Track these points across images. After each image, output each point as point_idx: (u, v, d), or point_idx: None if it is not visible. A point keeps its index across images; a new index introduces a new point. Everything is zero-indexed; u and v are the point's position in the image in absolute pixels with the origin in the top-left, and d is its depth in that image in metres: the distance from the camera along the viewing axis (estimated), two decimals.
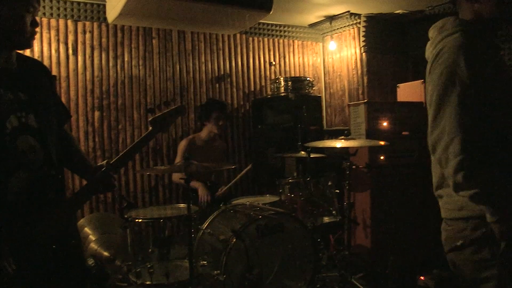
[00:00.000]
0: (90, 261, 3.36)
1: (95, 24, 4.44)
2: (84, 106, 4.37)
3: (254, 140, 5.33)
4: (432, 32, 1.76)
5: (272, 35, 5.62)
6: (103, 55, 4.49)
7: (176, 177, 4.20)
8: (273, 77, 5.53)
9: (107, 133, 4.48)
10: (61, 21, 4.25)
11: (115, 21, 4.27)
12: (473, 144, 1.46)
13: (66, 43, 4.28)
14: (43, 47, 4.16)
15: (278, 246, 2.98)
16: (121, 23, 4.49)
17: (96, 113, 4.43)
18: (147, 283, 2.85)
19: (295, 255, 3.04)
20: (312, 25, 5.71)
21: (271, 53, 5.63)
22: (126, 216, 3.10)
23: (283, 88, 5.09)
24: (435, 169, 1.73)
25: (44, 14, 4.12)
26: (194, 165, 2.78)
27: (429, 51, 1.71)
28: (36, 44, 4.10)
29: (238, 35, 5.35)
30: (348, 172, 3.51)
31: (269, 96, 5.33)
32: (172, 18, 4.41)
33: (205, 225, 3.16)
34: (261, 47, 5.56)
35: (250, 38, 5.47)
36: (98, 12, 4.43)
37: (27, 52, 3.67)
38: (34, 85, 1.72)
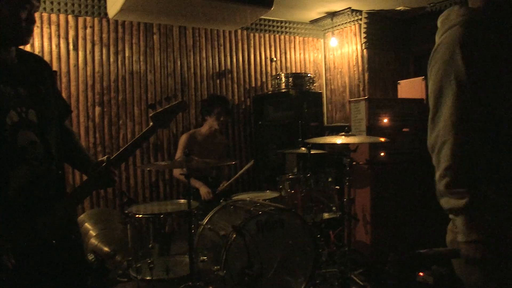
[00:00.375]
0: (91, 257, 3.37)
1: (96, 20, 4.43)
2: (85, 102, 4.37)
3: (254, 136, 5.34)
4: (438, 23, 1.60)
5: (273, 31, 5.61)
6: (104, 51, 4.48)
7: (177, 172, 4.20)
8: (274, 73, 5.52)
9: (107, 129, 4.49)
10: (62, 16, 4.25)
11: (116, 17, 4.26)
12: (466, 149, 1.35)
13: (66, 38, 4.28)
14: (44, 42, 4.15)
15: (278, 242, 2.98)
16: (122, 18, 4.48)
17: (97, 109, 4.43)
18: (147, 278, 2.86)
19: (295, 251, 3.04)
20: (313, 22, 5.70)
21: (272, 49, 5.62)
22: (126, 211, 3.11)
23: (284, 84, 5.09)
24: None
25: (44, 9, 4.12)
26: (195, 160, 2.78)
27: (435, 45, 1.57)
28: (36, 39, 4.10)
29: (239, 31, 5.34)
30: (348, 168, 3.50)
31: (270, 92, 5.33)
32: (173, 14, 4.40)
33: (206, 220, 3.16)
34: (262, 43, 5.55)
35: (251, 34, 5.46)
36: (99, 8, 4.42)
37: (28, 47, 3.68)
38: (35, 80, 1.72)
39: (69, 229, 1.76)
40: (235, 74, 5.32)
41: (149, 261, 2.88)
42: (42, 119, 1.68)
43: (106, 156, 1.80)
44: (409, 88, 4.77)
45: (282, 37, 5.70)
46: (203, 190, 4.01)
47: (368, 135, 4.09)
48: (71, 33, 4.30)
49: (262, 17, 5.20)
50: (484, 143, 1.37)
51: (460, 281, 1.52)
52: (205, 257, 2.88)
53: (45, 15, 4.15)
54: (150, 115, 1.86)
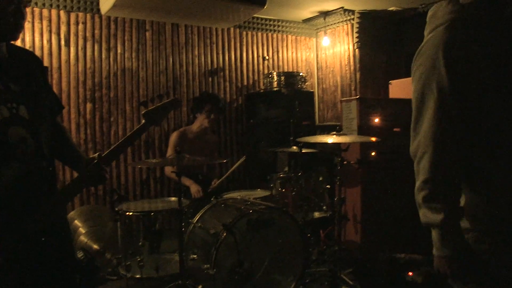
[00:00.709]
0: (80, 254, 3.35)
1: (88, 15, 4.41)
2: (76, 98, 4.34)
3: (246, 135, 5.34)
4: (427, 19, 1.49)
5: (266, 30, 5.61)
6: (96, 47, 4.45)
7: (168, 170, 4.19)
8: (266, 71, 5.53)
9: (99, 125, 4.46)
10: (54, 11, 4.21)
11: (109, 13, 4.24)
12: (445, 163, 1.31)
13: (58, 34, 4.24)
14: (35, 37, 4.12)
15: (269, 241, 2.99)
16: (114, 14, 4.46)
17: (88, 105, 4.40)
18: (137, 276, 2.85)
19: (285, 250, 3.05)
20: (306, 21, 5.71)
21: (265, 47, 5.63)
22: (117, 209, 3.10)
23: (276, 82, 5.10)
24: None
25: (36, 3, 4.08)
26: (186, 158, 2.78)
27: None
28: (27, 34, 4.06)
29: (232, 29, 5.34)
30: (339, 168, 3.52)
31: (261, 91, 5.34)
32: (166, 11, 4.39)
33: (196, 218, 3.16)
34: (255, 41, 5.55)
35: (244, 32, 5.46)
36: (92, 3, 4.39)
37: (18, 42, 3.64)
38: (26, 76, 1.70)
39: (58, 227, 1.75)
40: (227, 72, 5.32)
41: (139, 259, 2.88)
42: (33, 115, 1.66)
43: (97, 153, 1.79)
44: (400, 88, 4.79)
45: (275, 35, 5.70)
46: (194, 188, 4.01)
47: (359, 134, 4.10)
48: (63, 28, 4.27)
49: (255, 15, 5.20)
50: (468, 154, 1.33)
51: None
52: (195, 256, 2.88)
53: (36, 10, 4.11)
54: (142, 112, 1.86)
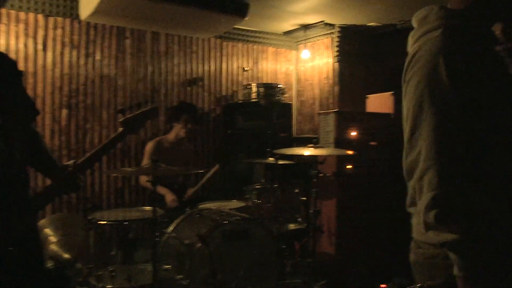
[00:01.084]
0: (50, 264, 3.28)
1: (67, 21, 4.35)
2: (51, 104, 4.27)
3: (224, 145, 5.33)
4: (413, 22, 1.42)
5: (247, 41, 5.64)
6: (74, 53, 4.40)
7: (144, 180, 4.15)
8: (245, 82, 5.54)
9: (74, 132, 4.39)
10: (31, 15, 4.15)
11: (88, 19, 4.21)
12: (455, 176, 1.18)
13: (35, 38, 4.18)
14: (10, 40, 4.04)
15: (243, 252, 2.98)
16: (94, 20, 4.42)
17: (64, 111, 4.34)
18: (108, 286, 2.80)
19: (259, 261, 3.04)
20: (286, 33, 5.76)
21: (245, 58, 5.65)
22: (89, 217, 3.04)
23: (254, 94, 5.12)
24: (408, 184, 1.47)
25: (12, 6, 4.00)
26: (161, 168, 2.76)
27: (409, 46, 1.41)
28: (2, 37, 3.99)
29: (212, 39, 5.35)
30: (315, 180, 3.54)
31: (240, 102, 5.35)
32: (147, 19, 4.38)
33: (171, 228, 3.13)
34: (235, 52, 5.57)
35: (224, 43, 5.47)
36: (71, 8, 4.34)
37: None
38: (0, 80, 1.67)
39: (29, 235, 1.71)
40: (206, 82, 5.31)
41: (111, 269, 2.82)
42: (6, 121, 1.63)
43: (72, 161, 1.77)
44: (377, 102, 4.87)
45: (255, 47, 5.73)
46: (169, 198, 3.98)
47: (336, 147, 4.14)
48: (40, 33, 4.21)
49: (236, 26, 5.22)
50: (475, 167, 1.22)
51: None
52: (169, 266, 2.85)
53: (12, 12, 4.03)
54: (121, 120, 1.84)
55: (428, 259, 1.37)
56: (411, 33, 1.39)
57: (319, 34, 5.57)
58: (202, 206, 3.61)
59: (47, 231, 3.67)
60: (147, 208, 3.47)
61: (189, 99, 5.15)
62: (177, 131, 4.31)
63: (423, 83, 1.23)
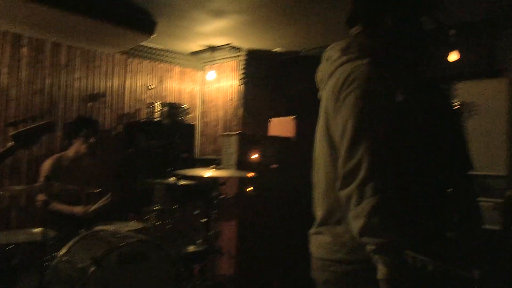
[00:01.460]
0: None
1: None
2: None
3: (124, 164, 5.18)
4: (331, 52, 1.59)
5: (153, 59, 5.58)
6: None
7: (40, 199, 3.89)
8: (149, 100, 5.46)
9: None
10: None
11: None
12: (392, 187, 1.32)
13: None
14: None
15: (141, 275, 2.90)
16: None
17: None
18: None
19: (157, 285, 2.98)
20: (193, 53, 5.80)
21: (150, 76, 5.59)
22: None
23: (158, 113, 5.07)
24: (321, 203, 1.57)
25: None
26: (56, 185, 2.62)
27: (325, 71, 1.59)
28: None
29: (117, 55, 5.23)
30: (216, 202, 3.57)
31: (143, 120, 5.26)
32: (47, 28, 4.18)
33: (62, 252, 2.96)
34: (140, 69, 5.49)
35: (130, 60, 5.37)
36: None
37: None
38: None
39: None
40: (109, 99, 5.16)
41: None
42: None
43: None
44: (279, 126, 5.05)
45: (161, 65, 5.69)
46: (77, 209, 3.81)
47: (238, 169, 4.22)
48: None
49: (142, 43, 5.16)
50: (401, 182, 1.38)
51: None
52: None
53: None
54: (12, 133, 1.74)
55: (343, 277, 1.45)
56: (328, 62, 1.58)
57: (225, 57, 5.67)
58: (98, 227, 3.47)
59: None
60: (37, 229, 3.25)
61: (90, 115, 4.95)
62: (77, 147, 4.11)
63: (362, 101, 1.38)
